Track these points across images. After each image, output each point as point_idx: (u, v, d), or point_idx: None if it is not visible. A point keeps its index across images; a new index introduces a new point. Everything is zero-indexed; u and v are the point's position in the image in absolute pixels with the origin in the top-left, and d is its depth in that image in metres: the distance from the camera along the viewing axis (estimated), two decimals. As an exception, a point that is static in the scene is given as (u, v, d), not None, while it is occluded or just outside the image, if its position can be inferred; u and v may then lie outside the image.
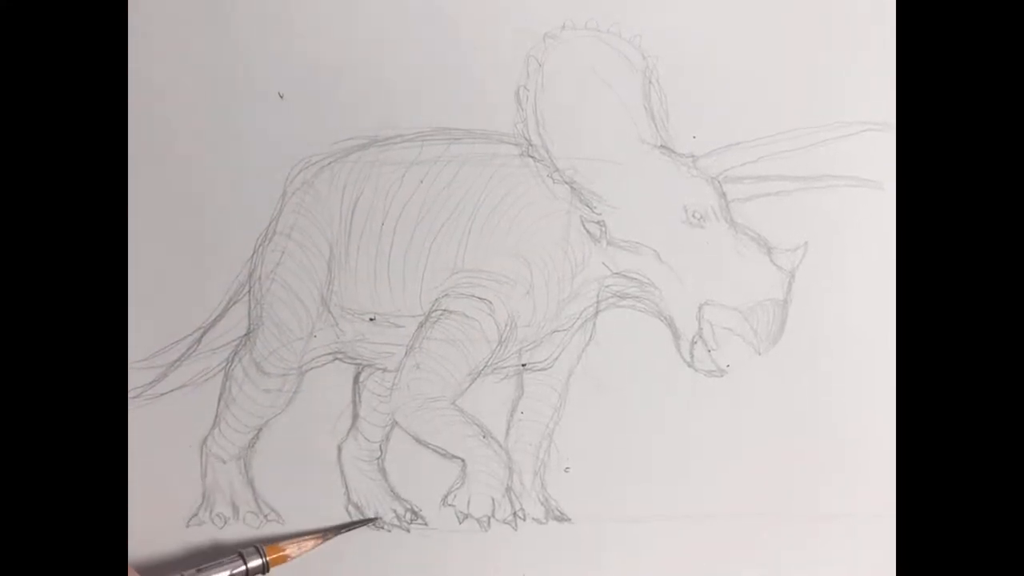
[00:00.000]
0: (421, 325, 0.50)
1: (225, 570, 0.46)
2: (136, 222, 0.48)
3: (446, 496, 0.50)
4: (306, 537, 0.48)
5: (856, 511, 0.50)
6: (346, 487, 0.50)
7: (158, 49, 0.48)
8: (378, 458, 0.50)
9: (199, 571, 0.46)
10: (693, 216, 0.49)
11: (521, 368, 0.50)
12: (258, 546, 0.47)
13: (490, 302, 0.49)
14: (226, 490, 0.49)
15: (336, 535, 0.49)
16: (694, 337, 0.50)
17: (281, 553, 0.47)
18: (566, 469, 0.50)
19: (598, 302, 0.50)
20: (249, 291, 0.49)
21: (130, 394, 0.49)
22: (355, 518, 0.50)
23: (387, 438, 0.50)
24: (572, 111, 0.49)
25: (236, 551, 0.47)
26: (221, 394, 0.49)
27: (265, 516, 0.49)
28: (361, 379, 0.50)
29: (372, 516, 0.50)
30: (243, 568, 0.46)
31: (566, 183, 0.49)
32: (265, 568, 0.47)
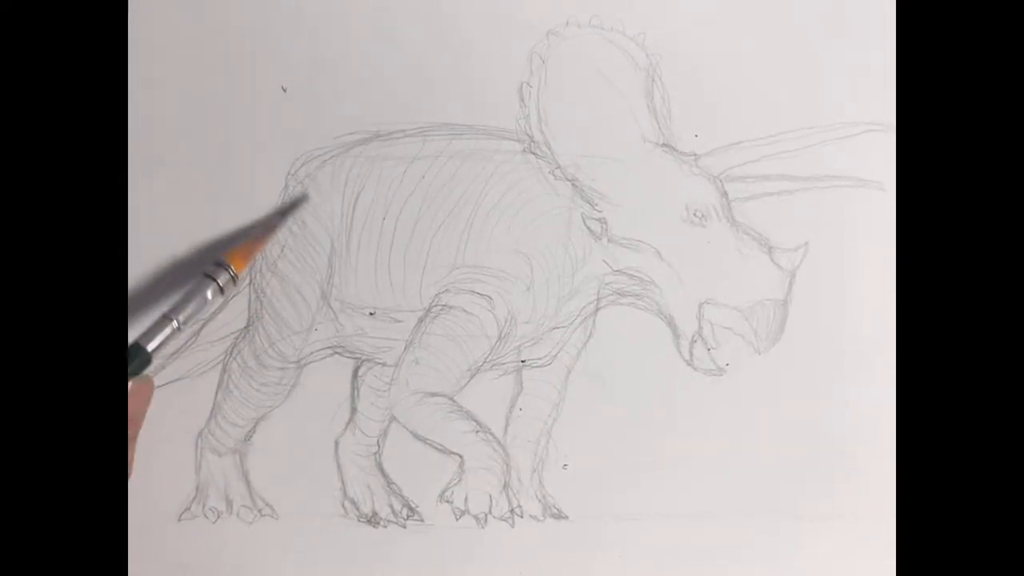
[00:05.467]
0: (421, 320, 0.49)
1: (194, 302, 0.44)
2: (137, 214, 0.48)
3: (443, 492, 0.49)
4: (250, 238, 0.47)
5: (856, 511, 0.49)
6: (342, 481, 0.49)
7: (159, 42, 0.48)
8: (375, 453, 0.49)
9: (170, 313, 0.44)
10: (694, 215, 0.49)
11: (520, 364, 0.50)
12: (219, 260, 0.45)
13: (490, 298, 0.49)
14: (220, 483, 0.49)
15: (280, 221, 0.48)
16: (694, 336, 0.49)
17: (241, 257, 0.46)
18: (564, 466, 0.50)
19: (598, 299, 0.50)
20: (249, 284, 0.49)
21: (128, 385, 0.48)
22: (351, 513, 0.49)
23: (385, 433, 0.49)
24: (575, 108, 0.49)
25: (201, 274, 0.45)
26: (219, 386, 0.49)
27: (259, 510, 0.49)
28: (360, 373, 0.50)
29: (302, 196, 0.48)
30: (215, 285, 0.45)
31: (568, 180, 0.49)
32: (234, 279, 0.46)
